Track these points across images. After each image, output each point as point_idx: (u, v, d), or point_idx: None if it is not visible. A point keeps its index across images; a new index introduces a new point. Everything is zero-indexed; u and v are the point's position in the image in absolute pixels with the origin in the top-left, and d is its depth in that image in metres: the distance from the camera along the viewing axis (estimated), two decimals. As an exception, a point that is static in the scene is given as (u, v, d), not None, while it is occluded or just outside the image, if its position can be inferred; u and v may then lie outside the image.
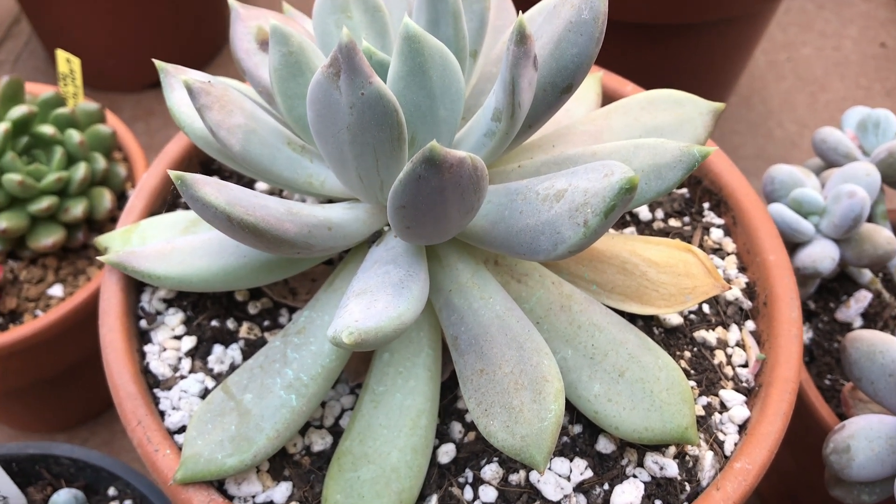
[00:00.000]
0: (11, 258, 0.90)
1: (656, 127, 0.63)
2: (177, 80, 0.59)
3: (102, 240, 0.67)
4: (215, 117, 0.52)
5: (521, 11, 0.66)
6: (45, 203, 0.84)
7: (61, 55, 0.95)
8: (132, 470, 0.78)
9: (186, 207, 0.73)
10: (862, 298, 0.85)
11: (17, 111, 0.86)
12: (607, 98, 0.78)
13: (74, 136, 0.87)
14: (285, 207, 0.50)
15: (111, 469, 0.78)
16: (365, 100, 0.45)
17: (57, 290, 0.88)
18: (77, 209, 0.86)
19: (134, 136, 1.01)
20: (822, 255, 0.78)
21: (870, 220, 0.86)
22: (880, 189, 0.85)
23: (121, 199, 0.95)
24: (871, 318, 0.86)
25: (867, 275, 0.88)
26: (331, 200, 0.63)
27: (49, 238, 0.86)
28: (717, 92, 1.26)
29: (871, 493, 0.69)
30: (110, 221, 0.93)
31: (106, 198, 0.89)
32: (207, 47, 1.55)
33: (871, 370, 0.69)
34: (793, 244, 0.82)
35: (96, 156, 0.90)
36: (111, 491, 0.79)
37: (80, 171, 0.87)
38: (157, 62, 0.60)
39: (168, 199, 0.74)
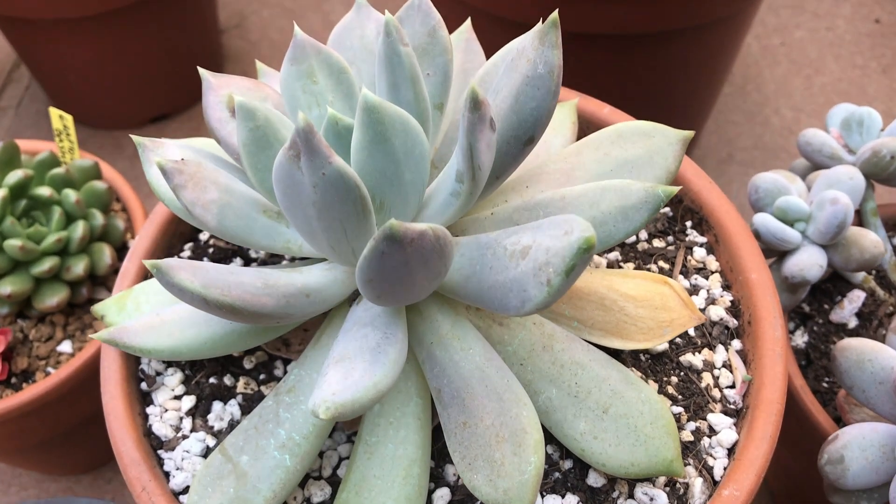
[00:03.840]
0: (20, 317, 0.92)
1: (627, 160, 0.64)
2: (155, 154, 0.61)
3: (98, 308, 0.69)
4: (189, 195, 0.54)
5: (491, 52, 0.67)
6: (46, 265, 0.87)
7: (54, 113, 0.98)
8: (149, 519, 0.81)
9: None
10: (856, 298, 0.86)
11: (14, 176, 0.88)
12: (584, 122, 0.79)
13: (71, 195, 0.90)
14: (262, 281, 0.52)
15: (129, 520, 0.81)
16: (327, 179, 0.47)
17: (66, 347, 0.91)
18: (78, 267, 0.89)
19: (131, 187, 1.03)
20: (810, 262, 0.79)
21: (859, 219, 0.86)
22: (868, 187, 0.86)
23: (121, 250, 0.97)
24: (866, 317, 0.87)
25: (860, 273, 0.88)
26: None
27: (54, 298, 0.89)
28: (708, 90, 1.26)
29: (869, 499, 0.70)
30: (112, 274, 0.95)
31: (106, 253, 0.92)
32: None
33: (862, 378, 0.69)
34: (781, 252, 0.83)
35: (94, 212, 0.93)
36: (131, 541, 0.81)
37: (79, 230, 0.89)
38: (133, 137, 0.62)
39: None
